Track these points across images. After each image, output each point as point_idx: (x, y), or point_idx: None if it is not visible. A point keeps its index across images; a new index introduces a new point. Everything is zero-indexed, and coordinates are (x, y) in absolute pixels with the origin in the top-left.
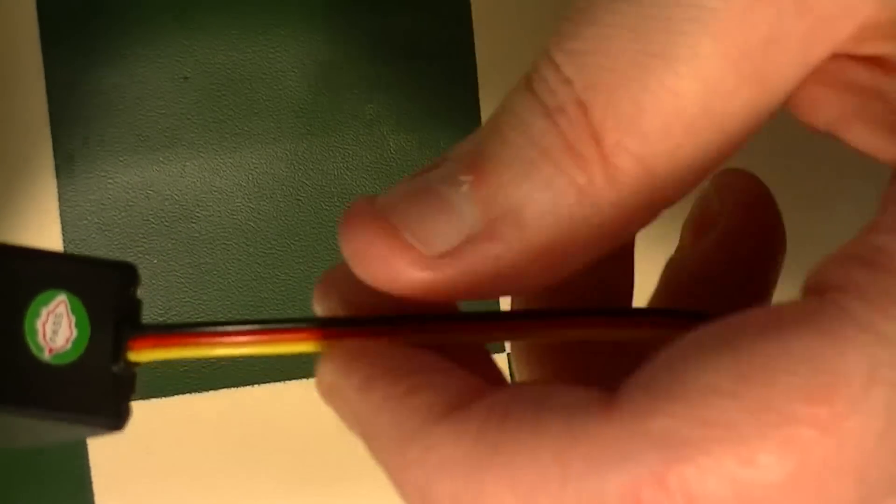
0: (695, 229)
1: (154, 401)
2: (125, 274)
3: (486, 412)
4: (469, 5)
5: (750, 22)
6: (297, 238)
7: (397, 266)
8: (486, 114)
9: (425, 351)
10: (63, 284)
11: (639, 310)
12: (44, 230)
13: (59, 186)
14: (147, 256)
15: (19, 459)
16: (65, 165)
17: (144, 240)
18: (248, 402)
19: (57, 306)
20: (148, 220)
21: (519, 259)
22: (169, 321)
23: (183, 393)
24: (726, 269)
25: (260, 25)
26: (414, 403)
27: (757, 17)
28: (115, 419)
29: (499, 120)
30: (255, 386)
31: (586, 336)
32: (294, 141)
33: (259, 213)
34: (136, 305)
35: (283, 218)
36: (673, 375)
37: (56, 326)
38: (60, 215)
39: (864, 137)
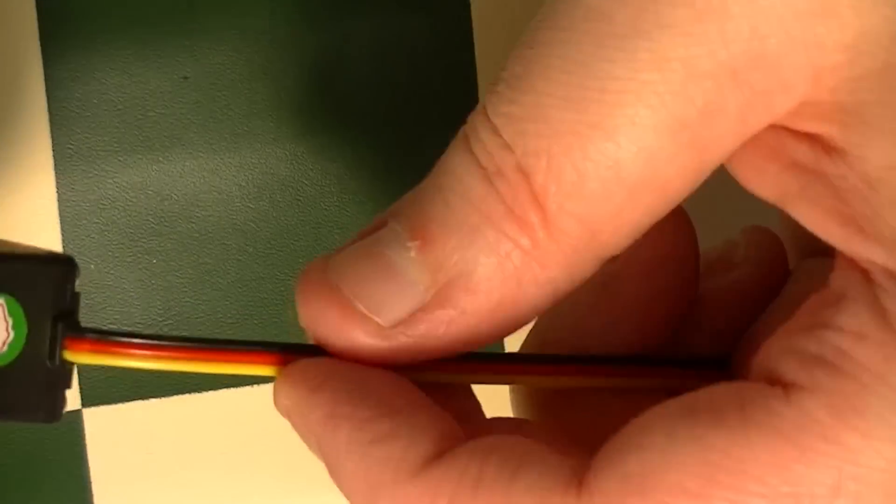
0: (712, 266)
1: (154, 401)
2: (64, 269)
3: (459, 476)
4: (469, 5)
5: (687, 94)
6: (297, 238)
7: (352, 336)
8: None
9: (392, 376)
10: (0, 287)
11: (655, 359)
12: (43, 230)
13: (59, 186)
14: (147, 256)
15: (18, 459)
16: (64, 165)
17: (144, 240)
18: (248, 402)
19: None
20: (147, 219)
21: (471, 320)
22: (111, 328)
23: (183, 393)
24: (734, 307)
25: (260, 25)
26: (383, 454)
27: (694, 88)
28: (50, 415)
29: (440, 181)
30: (255, 386)
31: (598, 384)
32: (294, 141)
33: (259, 213)
34: (75, 300)
35: (283, 218)
36: (643, 467)
37: None
38: (60, 215)
39: (811, 218)
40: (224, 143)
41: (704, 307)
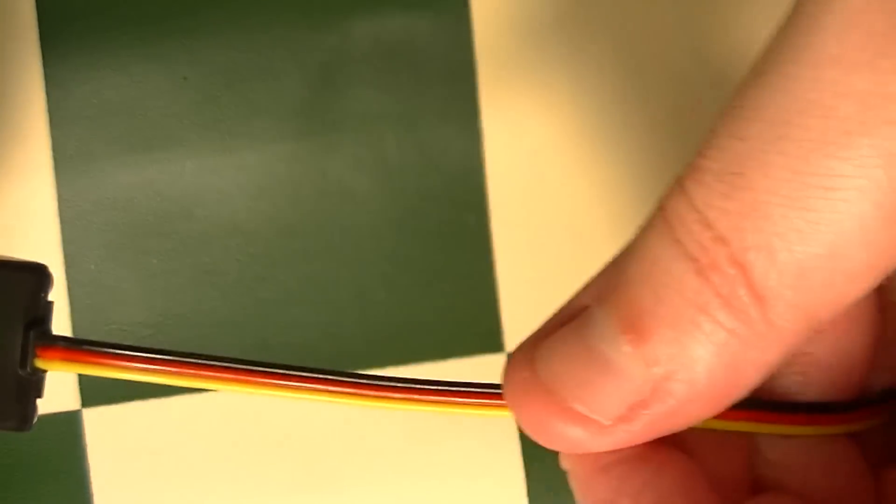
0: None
1: (154, 401)
2: (36, 276)
3: None
4: (469, 5)
5: None
6: (297, 238)
7: (574, 437)
8: (485, 114)
9: (680, 466)
10: None
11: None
12: (43, 230)
13: (58, 186)
14: (146, 256)
15: (18, 459)
16: (64, 165)
17: (143, 240)
18: (248, 402)
19: None
20: (147, 219)
21: (689, 409)
22: (83, 337)
23: (183, 393)
24: None
25: (260, 25)
26: None
27: None
28: (21, 422)
29: (646, 271)
30: None
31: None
32: (294, 141)
33: (259, 213)
34: (47, 308)
35: (282, 218)
36: None
37: None
38: (59, 215)
39: None
40: (224, 143)
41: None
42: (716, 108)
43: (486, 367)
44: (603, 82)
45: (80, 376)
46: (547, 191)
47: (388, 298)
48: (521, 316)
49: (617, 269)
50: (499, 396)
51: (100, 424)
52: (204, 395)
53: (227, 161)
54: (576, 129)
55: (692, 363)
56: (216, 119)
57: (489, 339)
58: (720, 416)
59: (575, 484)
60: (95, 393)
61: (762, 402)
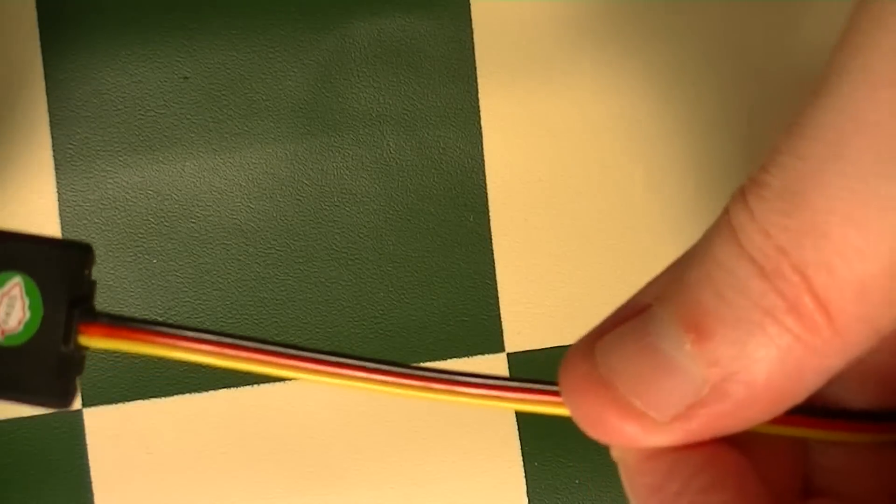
0: None
1: (154, 401)
2: (80, 254)
3: None
4: (469, 5)
5: None
6: (297, 238)
7: (630, 433)
8: (485, 114)
9: (726, 456)
10: (18, 266)
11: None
12: (43, 230)
13: (59, 186)
14: (146, 256)
15: (18, 459)
16: (64, 165)
17: (144, 240)
18: (248, 402)
19: (12, 289)
20: (147, 219)
21: (748, 412)
22: (126, 314)
23: (183, 393)
24: None
25: (260, 25)
26: None
27: None
28: (62, 399)
29: (709, 272)
30: (255, 386)
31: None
32: (294, 141)
33: (259, 213)
34: (90, 286)
35: (283, 218)
36: None
37: (10, 309)
38: (60, 215)
39: None
40: (224, 143)
41: None
42: (719, 108)
43: (486, 368)
44: (603, 82)
45: (80, 376)
46: (547, 191)
47: (388, 298)
48: (521, 316)
49: (679, 271)
50: (547, 393)
51: (100, 424)
52: (204, 395)
53: (227, 161)
54: (576, 129)
55: (753, 365)
56: (216, 119)
57: (489, 339)
58: (774, 421)
59: (624, 472)
60: (95, 393)
61: (817, 409)
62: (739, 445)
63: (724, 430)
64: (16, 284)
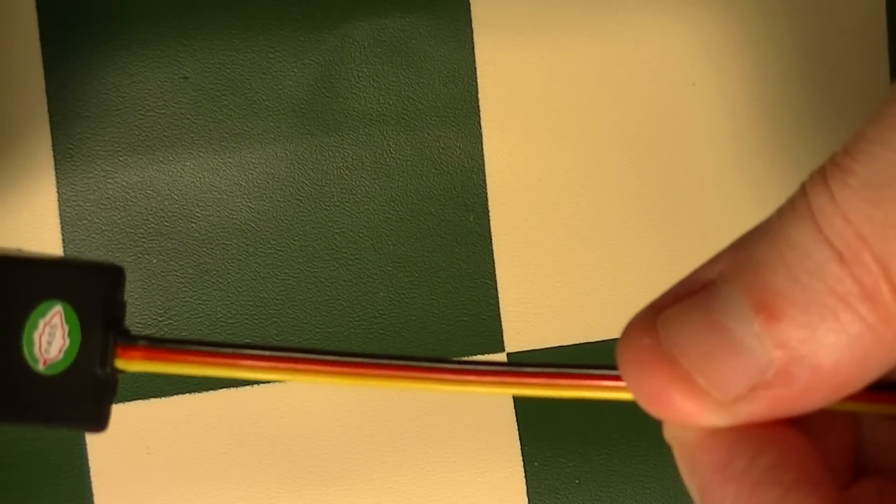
0: None
1: (154, 401)
2: (113, 277)
3: None
4: (469, 5)
5: None
6: (296, 238)
7: (691, 411)
8: (485, 114)
9: (790, 437)
10: (58, 294)
11: None
12: (43, 230)
13: (59, 186)
14: (146, 256)
15: (18, 459)
16: (64, 165)
17: (144, 240)
18: (248, 402)
19: (53, 317)
20: (147, 219)
21: (812, 397)
22: (159, 335)
23: (183, 393)
24: None
25: (260, 25)
26: None
27: None
28: (99, 424)
29: (784, 253)
30: (255, 386)
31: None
32: (294, 141)
33: (259, 213)
34: (122, 309)
35: (282, 218)
36: None
37: (51, 338)
38: (60, 215)
39: None
40: (224, 143)
41: None
42: (715, 112)
43: None
44: (603, 82)
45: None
46: (547, 191)
47: (388, 298)
48: (521, 316)
49: (748, 248)
50: (595, 377)
51: None
52: (204, 395)
53: (227, 161)
54: (576, 129)
55: (821, 350)
56: (216, 119)
57: (489, 339)
58: None
59: (682, 450)
60: None
61: (873, 383)
62: (797, 423)
63: (782, 414)
64: (57, 313)
